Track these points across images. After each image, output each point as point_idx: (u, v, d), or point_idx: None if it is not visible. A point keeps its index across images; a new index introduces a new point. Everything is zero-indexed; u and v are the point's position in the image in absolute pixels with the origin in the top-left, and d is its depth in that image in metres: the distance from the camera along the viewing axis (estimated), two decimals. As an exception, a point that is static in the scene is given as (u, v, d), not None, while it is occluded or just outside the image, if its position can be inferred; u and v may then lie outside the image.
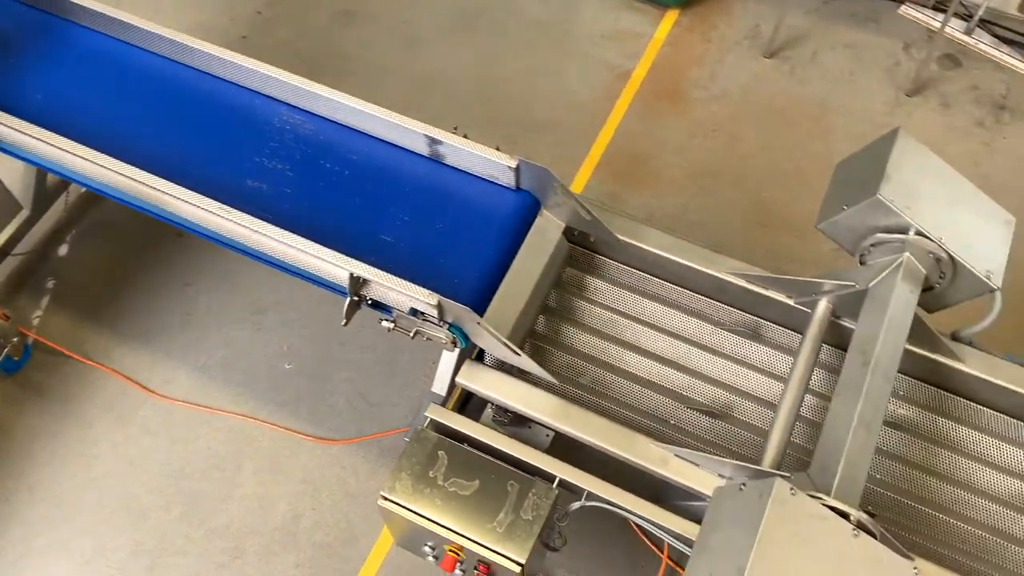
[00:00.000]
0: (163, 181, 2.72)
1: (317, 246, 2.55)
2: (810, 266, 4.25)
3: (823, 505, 2.07)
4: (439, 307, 2.50)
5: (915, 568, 2.07)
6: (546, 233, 2.85)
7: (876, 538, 2.12)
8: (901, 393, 2.79)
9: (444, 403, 2.81)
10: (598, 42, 5.13)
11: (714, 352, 2.89)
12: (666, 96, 4.91)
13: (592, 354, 2.91)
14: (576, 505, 2.62)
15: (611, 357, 2.90)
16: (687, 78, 4.97)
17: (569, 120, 4.83)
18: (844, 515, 2.08)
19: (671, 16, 5.23)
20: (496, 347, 2.60)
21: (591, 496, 2.61)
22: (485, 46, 5.17)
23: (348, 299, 2.63)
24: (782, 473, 2.28)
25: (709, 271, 2.85)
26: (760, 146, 4.69)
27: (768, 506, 1.99)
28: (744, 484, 2.13)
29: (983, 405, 2.73)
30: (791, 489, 2.03)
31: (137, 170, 2.75)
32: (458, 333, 2.60)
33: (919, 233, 2.48)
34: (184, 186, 2.72)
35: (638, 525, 2.57)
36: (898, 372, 2.77)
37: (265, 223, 2.61)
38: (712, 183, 4.58)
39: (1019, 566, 2.50)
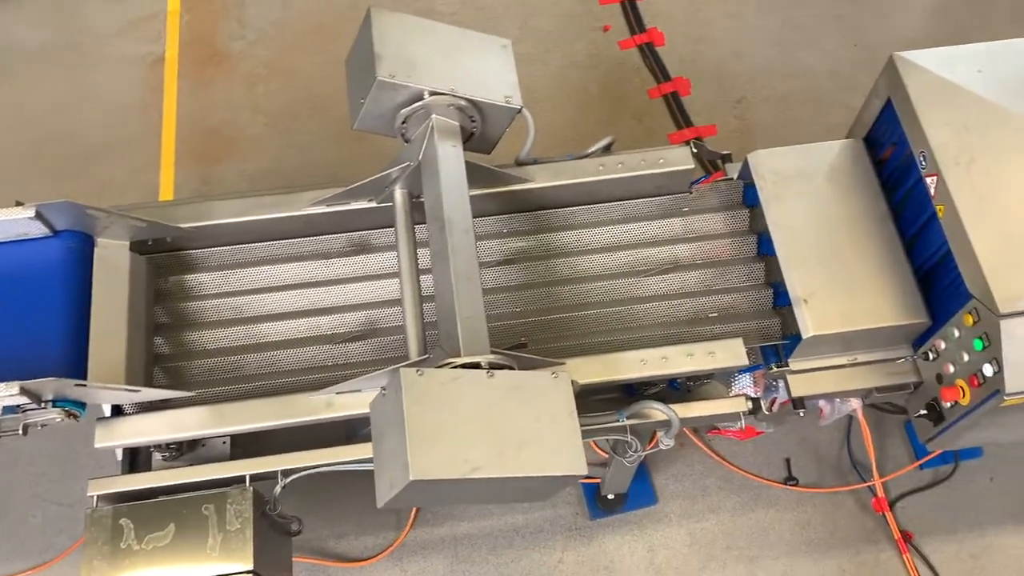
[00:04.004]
0: None
1: None
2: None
3: (453, 368, 2.20)
4: (28, 392, 2.29)
5: (554, 373, 2.29)
6: (112, 259, 2.68)
7: (514, 368, 2.30)
8: (505, 231, 3.00)
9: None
10: (115, 41, 4.79)
11: (337, 282, 2.91)
12: (209, 61, 4.72)
13: (229, 344, 2.83)
14: (278, 488, 2.61)
15: (248, 337, 2.84)
16: (219, 35, 4.80)
17: (126, 130, 4.53)
18: (476, 365, 2.23)
19: (176, -18, 4.98)
20: (114, 396, 2.46)
21: (287, 472, 2.61)
22: (-1, 97, 4.67)
23: (-72, 437, 2.35)
24: (420, 359, 2.40)
25: (289, 213, 2.84)
26: (319, 68, 4.68)
27: (403, 397, 2.08)
28: (384, 388, 2.21)
29: (568, 206, 3.01)
30: (417, 371, 2.13)
31: None
32: (70, 405, 2.41)
33: (433, 93, 2.61)
34: None
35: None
36: (490, 215, 2.99)
37: None
38: (293, 123, 4.53)
39: (647, 320, 2.84)
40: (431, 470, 2.01)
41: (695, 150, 3.00)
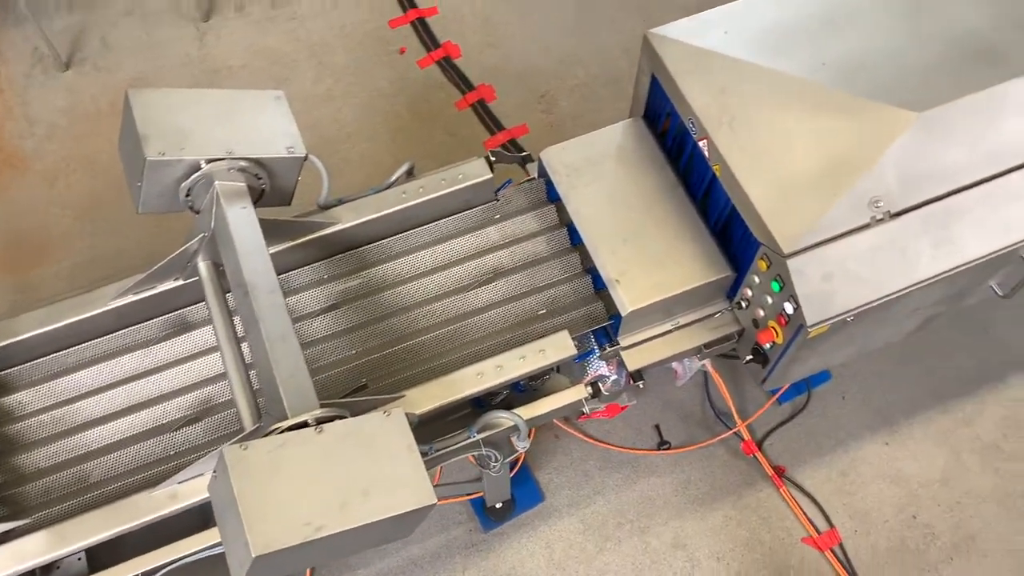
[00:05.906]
0: None
1: None
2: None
3: (280, 432, 2.18)
4: None
5: (386, 411, 2.29)
6: (-90, 405, 2.53)
7: (346, 416, 2.30)
8: (326, 277, 2.99)
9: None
10: None
11: (163, 367, 2.84)
12: (2, 166, 4.49)
13: (62, 459, 2.72)
14: (142, 592, 2.53)
15: (81, 446, 2.74)
16: (7, 136, 4.57)
17: (-77, 255, 4.27)
18: (304, 424, 2.22)
19: (-55, 92, 4.71)
20: (-62, 545, 2.32)
21: (146, 575, 2.53)
22: None
23: None
24: (253, 428, 2.36)
25: (95, 311, 2.76)
26: (117, 149, 4.51)
27: (231, 476, 2.05)
28: (215, 470, 2.17)
29: (383, 238, 3.03)
30: (241, 447, 2.10)
31: None
32: None
33: (209, 160, 2.57)
34: None
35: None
36: (306, 264, 2.98)
37: None
38: (102, 210, 4.36)
39: (481, 331, 2.88)
40: (273, 542, 1.99)
41: (494, 158, 3.07)
